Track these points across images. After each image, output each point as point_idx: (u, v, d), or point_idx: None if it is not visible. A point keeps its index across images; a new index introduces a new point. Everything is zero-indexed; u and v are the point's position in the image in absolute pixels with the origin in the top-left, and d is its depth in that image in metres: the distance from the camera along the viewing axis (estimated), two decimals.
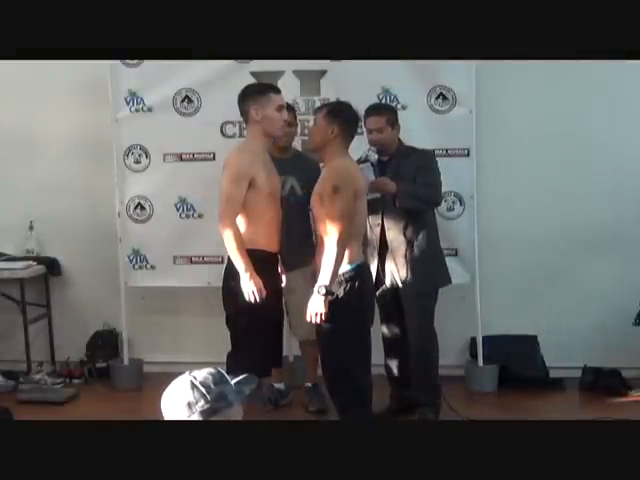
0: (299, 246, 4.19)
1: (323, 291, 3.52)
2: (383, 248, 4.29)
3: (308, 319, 3.62)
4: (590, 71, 4.74)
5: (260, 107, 3.74)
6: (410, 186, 4.19)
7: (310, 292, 3.60)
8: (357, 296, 3.63)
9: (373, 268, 4.25)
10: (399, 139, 4.34)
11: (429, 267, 4.29)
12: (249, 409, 2.21)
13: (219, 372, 2.09)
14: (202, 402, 2.02)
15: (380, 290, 4.31)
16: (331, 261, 3.53)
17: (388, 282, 4.32)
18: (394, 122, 4.29)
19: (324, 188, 3.61)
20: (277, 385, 4.59)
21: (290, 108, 4.35)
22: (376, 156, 4.20)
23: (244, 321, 3.73)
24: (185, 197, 5.01)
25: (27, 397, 4.86)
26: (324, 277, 3.54)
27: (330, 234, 3.54)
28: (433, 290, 4.36)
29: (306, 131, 4.74)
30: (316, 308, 3.55)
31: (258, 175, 3.69)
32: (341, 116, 3.69)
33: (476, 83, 4.77)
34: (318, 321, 3.58)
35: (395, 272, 4.28)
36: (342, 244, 3.52)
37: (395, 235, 4.26)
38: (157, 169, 5.03)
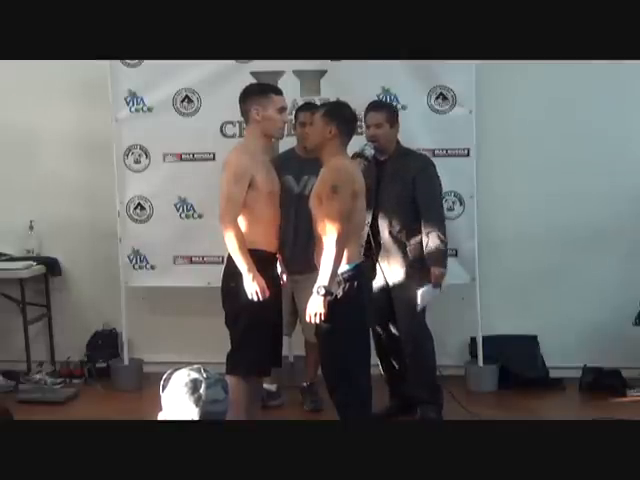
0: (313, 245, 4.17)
1: (322, 291, 3.52)
2: (376, 247, 4.27)
3: (307, 319, 3.62)
4: (590, 71, 4.74)
5: (261, 108, 3.73)
6: (438, 257, 4.20)
7: None
8: (356, 296, 3.63)
9: None
10: (398, 141, 4.34)
11: (424, 271, 4.25)
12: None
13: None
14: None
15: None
16: (330, 261, 3.52)
17: (381, 281, 4.31)
18: (393, 121, 4.29)
19: (323, 188, 3.61)
20: (267, 386, 4.54)
21: (312, 107, 4.36)
22: (372, 152, 4.16)
23: (244, 321, 3.73)
24: (185, 197, 5.01)
25: (27, 397, 4.86)
26: (323, 277, 3.54)
27: (329, 234, 3.54)
28: None
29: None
30: (315, 308, 3.55)
31: (258, 175, 3.69)
32: (339, 116, 3.69)
33: (476, 83, 4.77)
34: (317, 321, 3.58)
35: (388, 273, 4.28)
36: (341, 244, 3.52)
37: (389, 236, 4.25)
38: (157, 169, 5.02)
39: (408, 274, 4.25)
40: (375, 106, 4.34)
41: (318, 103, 4.51)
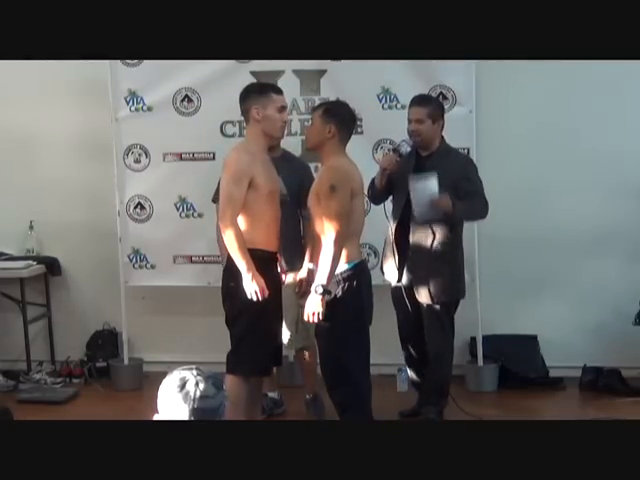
0: (285, 248, 4.15)
1: (320, 290, 3.52)
2: (400, 245, 4.22)
3: (306, 319, 3.62)
4: (590, 71, 4.74)
5: (261, 107, 3.73)
6: (466, 205, 4.12)
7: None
8: (355, 295, 3.62)
9: (391, 265, 4.26)
10: (442, 137, 4.26)
11: (448, 277, 4.21)
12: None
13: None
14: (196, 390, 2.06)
15: (396, 288, 4.32)
16: (328, 260, 3.52)
17: (405, 280, 4.27)
18: (436, 117, 4.18)
19: (321, 187, 3.61)
20: (271, 394, 4.52)
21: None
22: (408, 148, 4.13)
23: (244, 321, 3.73)
24: (185, 197, 5.02)
25: (27, 397, 4.86)
26: (321, 276, 3.54)
27: (327, 233, 3.54)
28: (448, 300, 4.29)
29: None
30: (313, 308, 3.55)
31: (258, 175, 3.69)
32: (338, 115, 3.69)
33: (476, 82, 4.77)
34: (316, 320, 3.58)
35: (414, 271, 4.22)
36: (339, 243, 3.52)
37: (419, 235, 4.17)
38: (157, 169, 5.03)
39: (433, 273, 4.18)
40: (418, 101, 4.24)
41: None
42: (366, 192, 4.16)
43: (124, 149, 5.02)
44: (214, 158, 4.87)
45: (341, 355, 3.65)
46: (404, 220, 4.21)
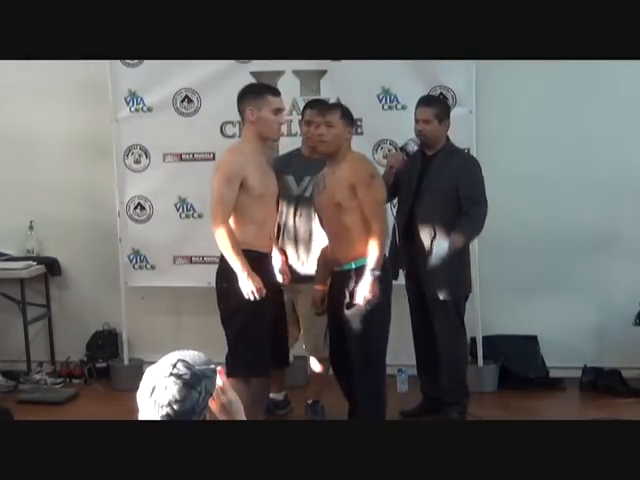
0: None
1: (377, 274, 3.61)
2: (408, 241, 4.27)
3: (362, 303, 3.65)
4: (590, 71, 4.74)
5: (256, 108, 3.71)
6: (468, 229, 4.20)
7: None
8: (388, 280, 3.77)
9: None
10: (447, 137, 4.30)
11: (456, 273, 4.24)
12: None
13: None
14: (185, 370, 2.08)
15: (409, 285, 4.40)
16: (378, 245, 3.62)
17: (414, 278, 4.32)
18: (443, 117, 4.24)
19: (359, 178, 3.67)
20: (274, 395, 4.47)
21: (320, 104, 4.25)
22: (415, 147, 4.20)
23: (237, 322, 3.71)
24: (185, 197, 5.02)
25: (27, 397, 4.87)
26: (376, 262, 3.62)
27: (373, 221, 3.63)
28: (455, 296, 4.31)
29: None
30: (373, 291, 3.62)
31: (250, 176, 3.66)
32: (352, 117, 3.82)
33: (476, 83, 4.77)
34: (374, 302, 3.64)
35: (421, 269, 4.25)
36: (386, 228, 3.63)
37: (426, 232, 4.20)
38: (157, 169, 5.03)
39: (440, 272, 4.19)
40: (426, 101, 4.30)
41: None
42: None
43: (124, 150, 5.02)
44: (214, 158, 4.86)
45: (379, 337, 3.75)
46: (410, 222, 4.25)
